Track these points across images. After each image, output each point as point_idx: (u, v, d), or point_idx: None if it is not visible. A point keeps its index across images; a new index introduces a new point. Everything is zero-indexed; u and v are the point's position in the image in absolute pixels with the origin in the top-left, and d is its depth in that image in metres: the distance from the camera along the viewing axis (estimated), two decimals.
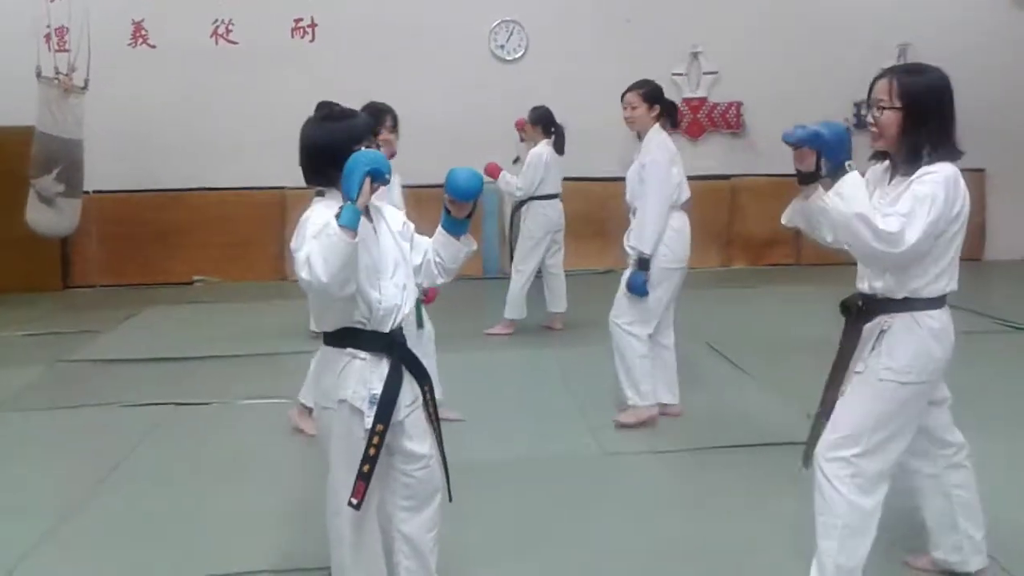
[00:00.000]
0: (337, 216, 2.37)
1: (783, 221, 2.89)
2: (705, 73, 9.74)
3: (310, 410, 4.54)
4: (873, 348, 2.71)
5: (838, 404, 2.78)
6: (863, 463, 2.69)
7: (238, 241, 9.30)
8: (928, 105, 2.66)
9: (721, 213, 9.61)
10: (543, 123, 6.85)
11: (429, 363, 4.64)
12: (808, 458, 2.83)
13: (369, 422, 2.56)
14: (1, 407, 5.33)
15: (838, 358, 2.82)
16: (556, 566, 3.27)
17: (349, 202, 2.39)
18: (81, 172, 7.98)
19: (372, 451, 2.55)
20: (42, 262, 8.94)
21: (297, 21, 9.50)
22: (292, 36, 9.49)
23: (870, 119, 2.74)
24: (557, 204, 6.84)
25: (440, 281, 2.84)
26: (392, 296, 2.61)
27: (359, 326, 2.58)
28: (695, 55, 9.71)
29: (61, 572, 3.30)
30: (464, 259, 2.78)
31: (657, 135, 4.63)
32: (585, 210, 8.43)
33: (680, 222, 4.63)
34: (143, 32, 9.35)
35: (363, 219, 2.43)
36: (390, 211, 2.77)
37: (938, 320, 2.70)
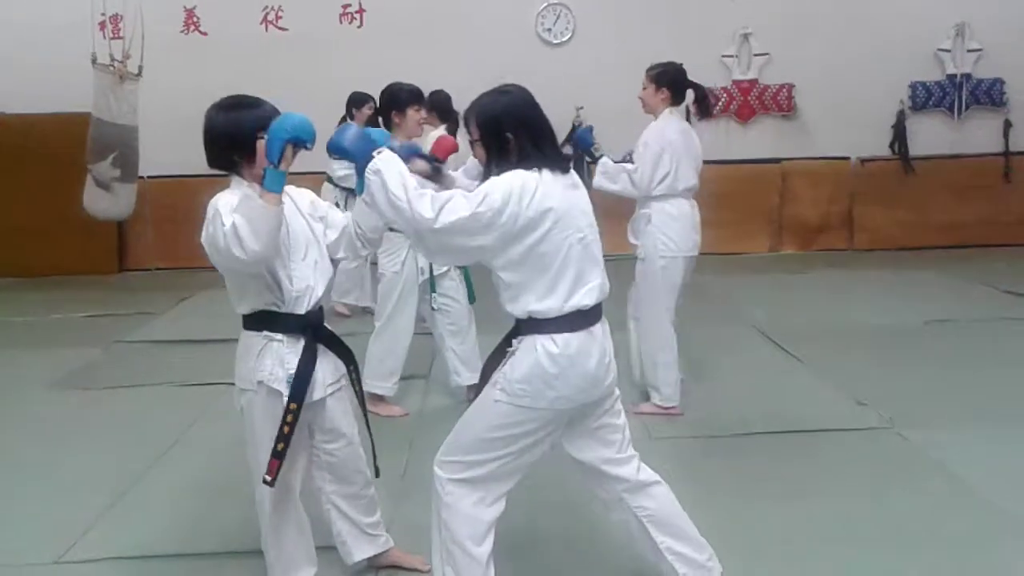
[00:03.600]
0: (261, 182, 2.41)
1: None
2: (755, 55, 9.57)
3: (378, 396, 4.62)
4: None
5: None
6: None
7: None
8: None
9: (771, 197, 9.44)
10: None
11: (467, 339, 4.71)
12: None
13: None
14: (61, 386, 5.48)
15: None
16: (602, 551, 3.28)
17: (271, 166, 2.41)
18: (136, 157, 8.13)
19: (286, 429, 2.60)
20: (99, 246, 9.17)
21: (345, 7, 9.57)
22: (340, 22, 9.57)
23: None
24: None
25: (364, 252, 2.88)
26: (304, 277, 2.65)
27: (274, 308, 2.63)
28: (745, 37, 9.56)
29: (120, 545, 3.39)
30: (383, 229, 2.77)
31: (660, 120, 4.60)
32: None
33: (678, 209, 4.55)
34: (195, 19, 9.50)
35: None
36: (297, 191, 2.77)
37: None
